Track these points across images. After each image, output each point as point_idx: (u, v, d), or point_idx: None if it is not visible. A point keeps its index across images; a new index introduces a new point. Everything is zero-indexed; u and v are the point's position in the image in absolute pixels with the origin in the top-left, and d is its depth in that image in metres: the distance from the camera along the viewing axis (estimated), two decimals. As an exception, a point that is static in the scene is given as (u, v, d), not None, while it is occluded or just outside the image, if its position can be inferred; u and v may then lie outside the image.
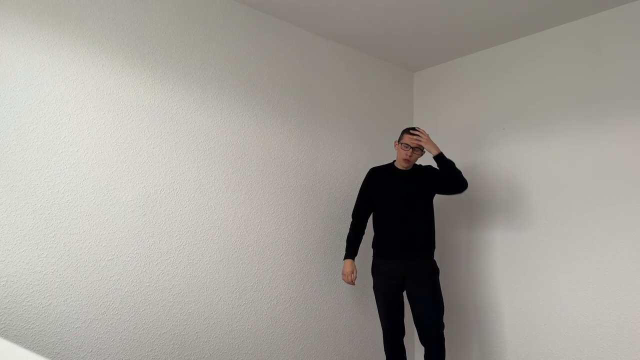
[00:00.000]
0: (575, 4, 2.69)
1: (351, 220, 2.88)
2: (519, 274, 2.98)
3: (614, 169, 2.63)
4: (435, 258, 2.79)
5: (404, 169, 2.76)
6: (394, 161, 2.83)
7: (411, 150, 2.68)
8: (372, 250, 2.85)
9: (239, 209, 2.69)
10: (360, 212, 2.85)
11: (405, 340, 2.91)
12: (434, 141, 2.80)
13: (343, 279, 2.82)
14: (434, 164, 2.79)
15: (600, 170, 2.68)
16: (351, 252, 2.82)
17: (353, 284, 2.81)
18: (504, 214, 3.09)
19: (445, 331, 2.68)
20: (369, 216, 2.87)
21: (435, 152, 2.66)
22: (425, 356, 2.65)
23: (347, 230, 2.89)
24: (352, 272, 2.78)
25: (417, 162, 2.86)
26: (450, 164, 2.66)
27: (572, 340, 2.72)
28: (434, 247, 2.76)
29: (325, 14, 2.89)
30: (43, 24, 2.14)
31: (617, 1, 2.64)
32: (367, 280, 3.24)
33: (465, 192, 2.79)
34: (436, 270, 2.71)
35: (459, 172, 2.67)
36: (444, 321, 2.68)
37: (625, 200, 2.57)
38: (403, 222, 2.68)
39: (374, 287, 2.80)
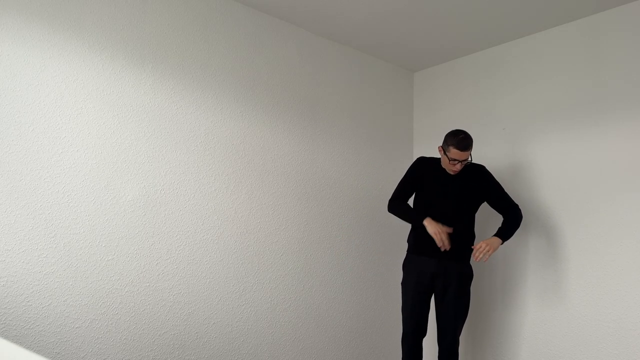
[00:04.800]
0: (575, 4, 2.69)
1: (389, 203, 2.72)
2: (519, 274, 2.98)
3: (613, 169, 2.63)
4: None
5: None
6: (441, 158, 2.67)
7: (460, 163, 2.52)
8: (405, 245, 2.78)
9: (239, 209, 2.69)
10: (401, 194, 2.70)
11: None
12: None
13: (437, 239, 2.50)
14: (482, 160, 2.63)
15: (600, 170, 2.68)
16: (421, 211, 2.59)
17: (448, 246, 2.50)
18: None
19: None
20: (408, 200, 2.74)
21: (501, 243, 2.59)
22: (439, 356, 2.65)
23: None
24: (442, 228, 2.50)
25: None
26: (514, 232, 2.63)
27: (571, 340, 2.72)
28: (471, 251, 2.64)
29: (325, 14, 2.89)
30: (43, 24, 2.14)
31: (617, 1, 2.64)
32: (367, 280, 3.24)
33: None
34: (470, 276, 2.64)
35: (518, 225, 2.66)
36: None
37: (625, 199, 2.57)
38: (443, 221, 2.56)
39: (402, 283, 2.71)
